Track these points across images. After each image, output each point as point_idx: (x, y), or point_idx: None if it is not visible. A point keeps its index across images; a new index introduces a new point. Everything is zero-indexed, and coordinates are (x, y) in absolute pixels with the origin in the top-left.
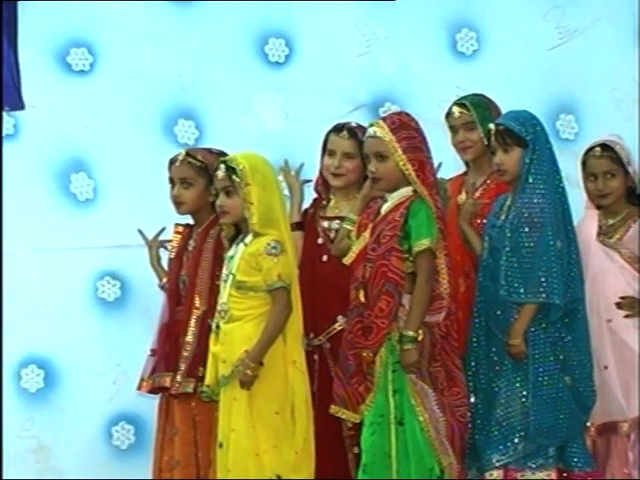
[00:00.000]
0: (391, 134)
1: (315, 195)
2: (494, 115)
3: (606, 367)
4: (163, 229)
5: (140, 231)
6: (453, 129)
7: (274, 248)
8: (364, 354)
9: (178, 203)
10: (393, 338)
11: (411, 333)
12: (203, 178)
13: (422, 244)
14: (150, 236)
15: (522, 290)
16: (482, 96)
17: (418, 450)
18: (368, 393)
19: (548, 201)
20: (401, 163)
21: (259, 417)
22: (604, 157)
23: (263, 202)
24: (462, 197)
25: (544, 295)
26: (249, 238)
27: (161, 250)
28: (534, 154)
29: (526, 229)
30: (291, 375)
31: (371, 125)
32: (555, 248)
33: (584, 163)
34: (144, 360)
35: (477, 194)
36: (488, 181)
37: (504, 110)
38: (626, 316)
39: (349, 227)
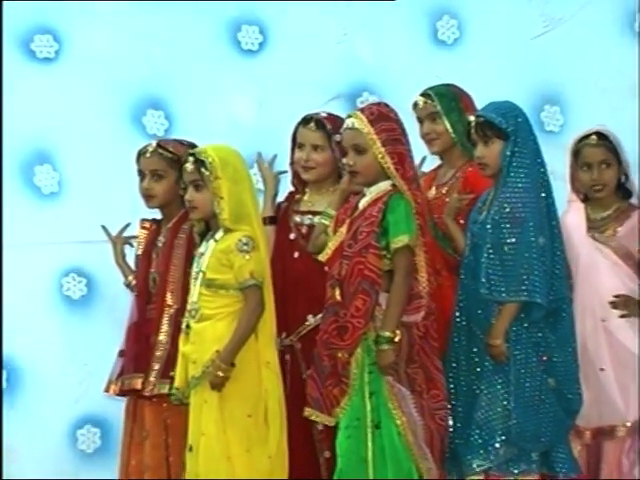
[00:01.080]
0: (369, 126)
1: (290, 189)
2: (463, 106)
3: (602, 369)
4: (128, 225)
5: (104, 227)
6: (419, 120)
7: (246, 245)
8: (339, 355)
9: (148, 196)
10: (369, 338)
11: (387, 333)
12: (174, 170)
13: (400, 241)
14: (114, 232)
15: (503, 288)
16: (451, 86)
17: (395, 455)
18: (343, 396)
19: (531, 195)
20: (380, 156)
21: (231, 420)
22: (600, 146)
23: (234, 196)
24: (432, 192)
25: (526, 294)
26: (219, 234)
27: (127, 247)
28: (516, 146)
29: (507, 225)
30: (264, 376)
31: (349, 117)
32: (537, 245)
33: (577, 152)
34: (111, 360)
35: (444, 189)
36: (458, 174)
37: (487, 101)
38: (622, 316)
39: (326, 222)
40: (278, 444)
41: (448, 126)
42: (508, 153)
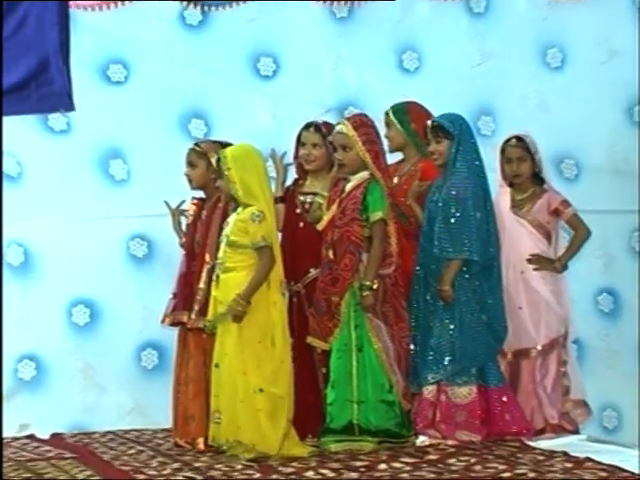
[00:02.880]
0: (353, 131)
1: (295, 176)
2: (413, 116)
3: (520, 308)
4: (183, 201)
5: (166, 202)
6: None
7: (257, 216)
8: (333, 298)
9: (188, 180)
10: (355, 286)
11: (368, 283)
12: (203, 161)
13: (377, 215)
14: (173, 206)
15: (450, 249)
16: (407, 103)
17: (373, 370)
18: (335, 328)
19: (470, 182)
20: (361, 153)
21: (247, 344)
22: (518, 146)
23: (242, 181)
24: (395, 180)
25: (467, 253)
26: (240, 208)
27: (182, 218)
28: (459, 145)
29: (453, 203)
30: (272, 313)
31: (339, 124)
32: (475, 218)
33: (503, 151)
34: (165, 302)
35: (404, 179)
36: (412, 168)
37: (441, 112)
38: (535, 269)
39: (320, 201)
40: (281, 361)
41: (400, 131)
42: (453, 150)
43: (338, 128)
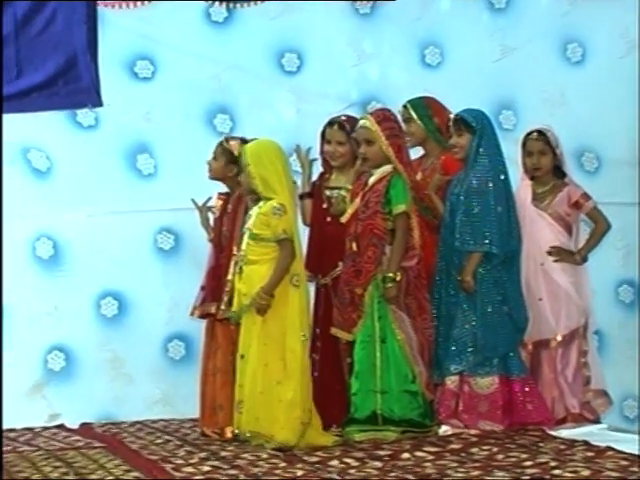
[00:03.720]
0: (377, 125)
1: (321, 170)
2: (432, 111)
3: (541, 299)
4: (209, 198)
5: (193, 200)
6: (404, 121)
7: (279, 210)
8: (356, 290)
9: (209, 169)
10: (378, 278)
11: (391, 275)
12: (225, 157)
13: (400, 208)
14: (199, 203)
15: (472, 242)
16: (424, 98)
17: (396, 361)
18: (359, 319)
19: (492, 176)
20: (384, 147)
21: (271, 336)
22: (539, 140)
23: (261, 176)
24: (419, 176)
25: (487, 246)
26: (262, 202)
27: (209, 213)
28: (481, 139)
29: (475, 197)
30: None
31: (362, 118)
32: (496, 211)
33: (524, 144)
34: (191, 294)
35: (427, 172)
36: (435, 161)
37: (463, 107)
38: (555, 261)
39: (344, 194)
40: (293, 351)
41: (422, 127)
42: (474, 144)
43: (361, 123)
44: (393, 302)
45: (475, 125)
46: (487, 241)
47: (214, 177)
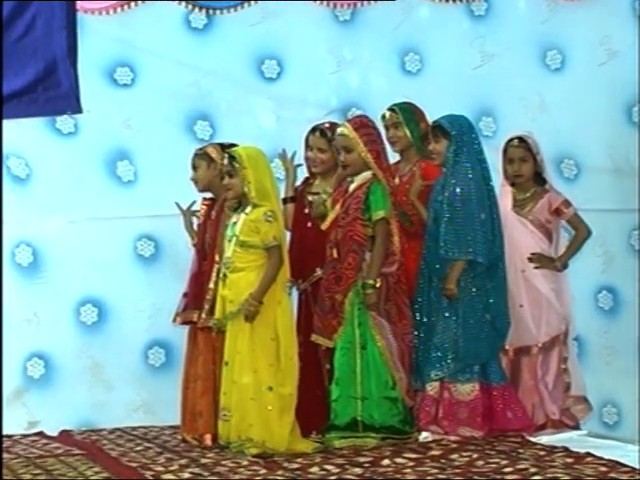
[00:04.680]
0: (354, 132)
1: (306, 175)
2: (417, 118)
3: (521, 306)
4: (194, 202)
5: (177, 203)
6: (385, 128)
7: (270, 216)
8: (336, 297)
9: (195, 184)
10: (358, 285)
11: (371, 281)
12: (204, 161)
13: (379, 214)
14: (184, 207)
15: (456, 249)
16: (410, 104)
17: (377, 368)
18: (339, 326)
19: (475, 183)
20: (362, 154)
21: (260, 342)
22: (520, 146)
23: (257, 181)
24: (396, 181)
25: (472, 254)
26: (249, 208)
27: (193, 218)
28: (459, 145)
29: (458, 205)
30: (277, 312)
31: (340, 126)
32: (480, 219)
33: (505, 151)
34: (173, 300)
35: (405, 179)
36: (414, 168)
37: (442, 114)
38: (536, 267)
39: (324, 197)
40: (288, 359)
41: (407, 132)
42: (451, 150)
43: (339, 130)
44: (373, 308)
45: (450, 130)
46: (471, 249)
47: (204, 188)
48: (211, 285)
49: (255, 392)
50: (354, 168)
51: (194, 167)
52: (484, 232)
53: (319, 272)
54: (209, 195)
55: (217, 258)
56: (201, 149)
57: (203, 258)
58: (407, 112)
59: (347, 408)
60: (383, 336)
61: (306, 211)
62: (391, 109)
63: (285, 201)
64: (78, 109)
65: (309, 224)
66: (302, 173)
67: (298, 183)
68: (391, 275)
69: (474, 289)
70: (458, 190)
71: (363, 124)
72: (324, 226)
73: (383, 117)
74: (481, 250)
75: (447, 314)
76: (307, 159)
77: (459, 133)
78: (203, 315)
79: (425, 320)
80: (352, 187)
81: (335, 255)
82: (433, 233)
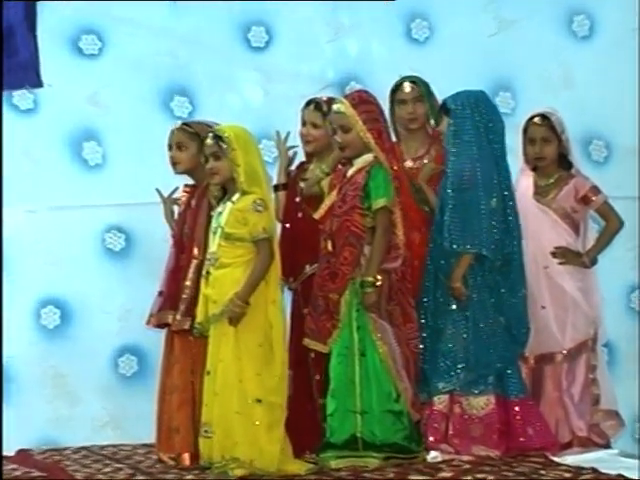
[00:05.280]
0: (352, 109)
1: (303, 159)
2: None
3: (543, 307)
4: (176, 189)
5: (158, 190)
6: (401, 102)
7: (259, 205)
8: (331, 296)
9: (174, 163)
10: (356, 282)
11: (370, 278)
12: (195, 142)
13: (380, 202)
14: (165, 194)
15: (460, 242)
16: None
17: (378, 377)
18: (335, 329)
19: (480, 164)
20: (362, 133)
21: (245, 349)
22: (542, 125)
23: (247, 164)
24: (409, 163)
25: (478, 247)
26: (236, 196)
27: (174, 207)
28: (458, 122)
29: (463, 190)
30: (271, 312)
31: (336, 102)
32: (488, 207)
33: (525, 130)
34: (146, 300)
35: (425, 160)
36: (431, 150)
37: (453, 88)
38: (560, 263)
39: (321, 176)
40: (282, 367)
41: (428, 109)
42: (451, 128)
43: (335, 107)
44: (373, 310)
45: (449, 106)
46: (477, 241)
47: (183, 171)
48: (187, 282)
49: (241, 405)
50: (352, 150)
51: (179, 145)
52: (493, 221)
53: (308, 269)
54: (191, 182)
55: (195, 252)
56: (189, 125)
57: (181, 252)
58: (426, 85)
59: (345, 423)
60: (385, 341)
61: (297, 200)
62: (412, 81)
63: (277, 188)
64: (38, 83)
65: (300, 214)
66: (299, 157)
67: (293, 168)
68: (394, 272)
69: (485, 288)
70: (463, 174)
71: (363, 100)
72: (318, 215)
73: (396, 90)
74: (487, 242)
75: (456, 317)
76: (300, 135)
77: (461, 108)
78: (178, 317)
79: (431, 323)
80: (351, 171)
81: (330, 248)
82: (439, 224)
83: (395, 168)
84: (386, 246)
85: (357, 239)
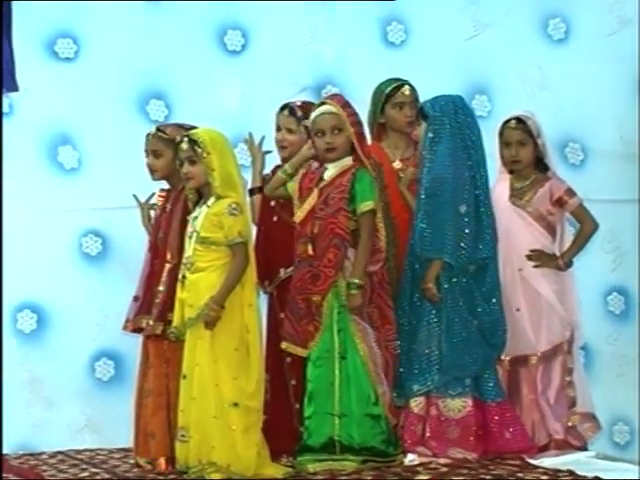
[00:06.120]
0: (342, 110)
1: (278, 163)
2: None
3: (518, 309)
4: (153, 194)
5: (135, 196)
6: (397, 106)
7: (235, 209)
8: (314, 298)
9: (151, 171)
10: (339, 285)
11: (357, 280)
12: (170, 149)
13: (367, 205)
14: (142, 199)
15: (428, 247)
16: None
17: (358, 380)
18: (317, 332)
19: (451, 170)
20: (351, 136)
21: (221, 353)
22: (518, 128)
23: (223, 169)
24: (397, 164)
25: (440, 253)
26: (211, 200)
27: (151, 212)
28: (435, 129)
29: (431, 196)
30: (247, 316)
31: (323, 104)
32: (455, 212)
33: (501, 133)
34: (123, 305)
35: (409, 162)
36: (417, 152)
37: (429, 92)
38: (535, 266)
39: (283, 177)
40: (258, 371)
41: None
42: (429, 133)
43: (326, 108)
44: (357, 312)
45: (428, 112)
46: (441, 248)
47: (160, 178)
48: (160, 287)
49: (217, 409)
50: (340, 152)
51: (155, 152)
52: (461, 228)
53: (283, 273)
54: (167, 186)
55: (169, 256)
56: (163, 130)
57: (155, 256)
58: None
59: (323, 426)
60: (366, 344)
61: (272, 204)
62: (409, 84)
63: (252, 192)
64: (13, 87)
65: (274, 218)
66: (273, 160)
67: (267, 171)
68: (375, 274)
69: (458, 292)
70: (433, 179)
71: (346, 103)
72: (297, 218)
73: (394, 93)
74: (451, 249)
75: (430, 320)
76: (275, 142)
77: (439, 114)
78: (150, 322)
79: (407, 327)
80: (330, 174)
81: (310, 252)
82: (414, 228)
83: (374, 171)
84: (371, 249)
85: (342, 241)
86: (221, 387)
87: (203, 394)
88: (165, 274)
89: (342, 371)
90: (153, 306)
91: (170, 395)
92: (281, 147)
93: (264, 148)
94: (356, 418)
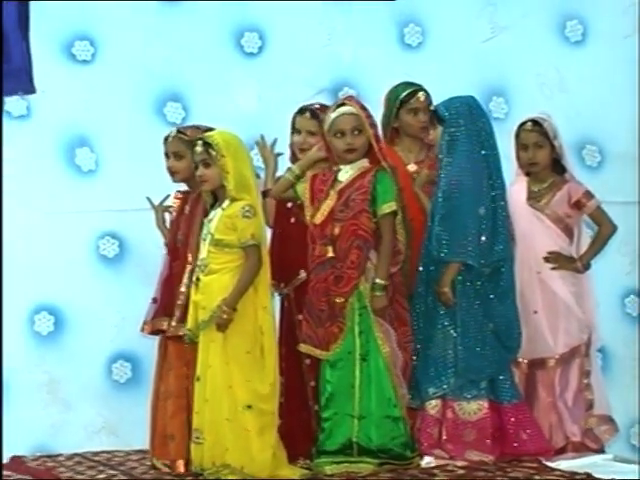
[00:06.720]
0: (362, 111)
1: (288, 166)
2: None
3: (536, 312)
4: (167, 196)
5: (148, 198)
6: (413, 111)
7: (248, 211)
8: (337, 300)
9: (172, 173)
10: (361, 286)
11: (382, 282)
12: (191, 151)
13: (389, 207)
14: (156, 202)
15: (447, 250)
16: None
17: (379, 382)
18: (340, 333)
19: (469, 173)
20: (370, 137)
21: (233, 355)
22: (534, 130)
23: (237, 171)
24: (412, 167)
25: (464, 256)
26: (226, 203)
27: (166, 214)
28: (452, 131)
29: (448, 199)
30: (261, 318)
31: (343, 105)
32: (475, 214)
33: (517, 136)
34: (140, 307)
35: (424, 165)
36: (431, 154)
37: (445, 94)
38: (553, 268)
39: (290, 178)
40: (274, 373)
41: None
42: (445, 136)
43: (345, 109)
44: (382, 314)
45: (443, 114)
46: (463, 250)
47: (182, 180)
48: (182, 289)
49: (230, 411)
50: (360, 153)
51: (176, 154)
52: (480, 230)
53: (303, 274)
54: (183, 188)
55: (190, 258)
56: (183, 132)
57: (174, 259)
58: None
59: (342, 428)
60: (389, 346)
61: (289, 205)
62: (424, 89)
63: (265, 195)
64: (31, 89)
65: (292, 219)
66: (284, 163)
67: (280, 174)
68: (395, 275)
69: (473, 295)
70: (452, 181)
71: (362, 105)
72: (318, 220)
73: (409, 98)
74: (473, 251)
75: (445, 323)
76: (293, 144)
77: (455, 117)
78: (173, 323)
79: (422, 329)
80: (346, 176)
81: (331, 254)
82: (430, 231)
83: (400, 170)
84: (394, 250)
85: (364, 243)
86: (234, 389)
87: (216, 396)
88: (186, 276)
89: (363, 372)
90: (175, 307)
91: (190, 397)
92: (301, 150)
93: (276, 150)
94: (375, 420)
